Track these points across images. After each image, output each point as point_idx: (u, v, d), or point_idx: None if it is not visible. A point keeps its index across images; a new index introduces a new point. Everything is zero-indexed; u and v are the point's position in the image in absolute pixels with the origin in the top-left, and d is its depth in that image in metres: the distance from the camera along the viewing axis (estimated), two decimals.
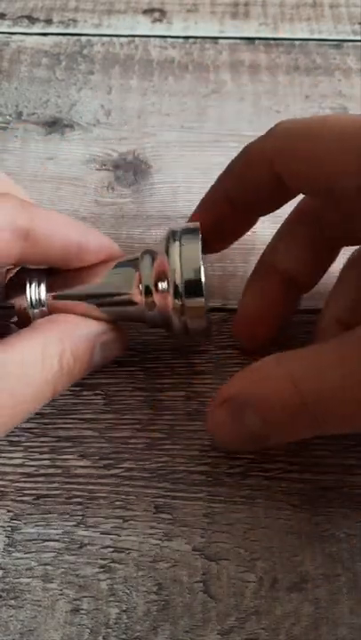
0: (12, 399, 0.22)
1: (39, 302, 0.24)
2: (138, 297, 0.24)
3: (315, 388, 0.20)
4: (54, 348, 0.22)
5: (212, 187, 0.26)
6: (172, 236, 0.24)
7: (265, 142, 0.23)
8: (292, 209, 0.26)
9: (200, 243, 0.23)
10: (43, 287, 0.24)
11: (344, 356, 0.20)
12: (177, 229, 0.24)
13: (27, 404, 0.22)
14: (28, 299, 0.24)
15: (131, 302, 0.24)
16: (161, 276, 0.23)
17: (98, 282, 0.24)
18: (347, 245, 0.26)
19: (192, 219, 0.26)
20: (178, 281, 0.23)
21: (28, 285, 0.24)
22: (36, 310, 0.24)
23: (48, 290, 0.24)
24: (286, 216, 0.26)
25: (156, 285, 0.23)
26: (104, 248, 0.25)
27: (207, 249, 0.25)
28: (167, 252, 0.23)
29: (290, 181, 0.23)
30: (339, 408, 0.20)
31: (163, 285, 0.23)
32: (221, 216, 0.25)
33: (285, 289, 0.26)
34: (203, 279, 0.23)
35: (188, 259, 0.23)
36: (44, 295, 0.24)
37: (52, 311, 0.24)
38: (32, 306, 0.24)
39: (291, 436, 0.22)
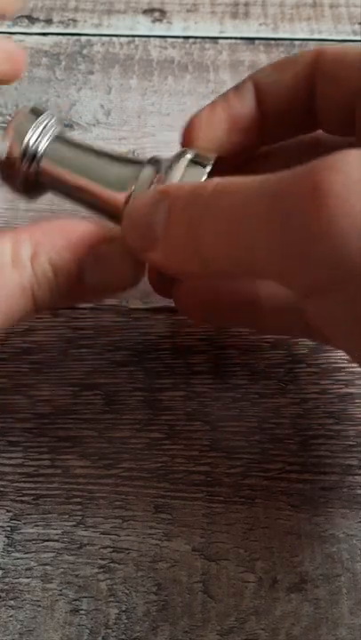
0: None
1: (33, 156, 0.21)
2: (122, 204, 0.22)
3: (224, 198, 0.18)
4: (25, 248, 0.20)
5: (244, 79, 0.24)
6: (182, 154, 0.22)
7: (307, 53, 0.23)
8: None
9: (206, 172, 0.21)
10: (48, 136, 0.21)
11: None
12: (190, 150, 0.22)
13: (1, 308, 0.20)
14: (25, 141, 0.21)
15: (116, 206, 0.22)
16: None
17: (98, 166, 0.22)
18: None
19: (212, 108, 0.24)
20: None
21: (32, 126, 0.21)
22: (24, 163, 0.21)
23: (51, 143, 0.21)
24: None
25: None
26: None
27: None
28: (171, 168, 0.21)
29: (323, 96, 0.22)
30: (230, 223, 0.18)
31: None
32: (246, 110, 0.23)
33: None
34: None
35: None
36: (43, 145, 0.21)
37: (42, 174, 0.21)
38: (24, 154, 0.21)
39: (174, 254, 0.20)
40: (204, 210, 0.18)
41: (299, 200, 0.16)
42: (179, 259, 0.20)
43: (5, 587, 0.22)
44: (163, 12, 0.41)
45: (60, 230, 0.21)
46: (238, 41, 0.39)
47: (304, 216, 0.16)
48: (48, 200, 0.26)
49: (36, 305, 0.20)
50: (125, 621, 0.22)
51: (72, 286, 0.21)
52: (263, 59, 0.38)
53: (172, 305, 0.28)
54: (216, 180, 0.19)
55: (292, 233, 0.16)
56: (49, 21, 0.40)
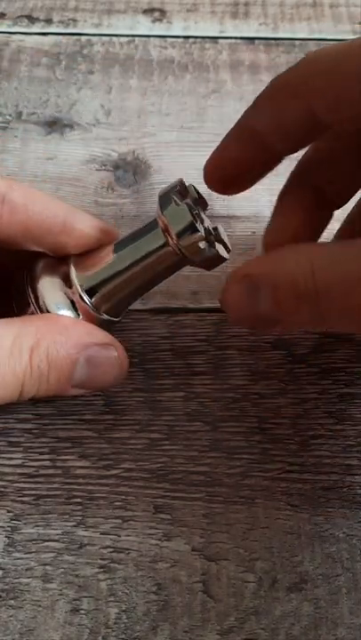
0: None
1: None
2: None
3: (331, 279, 0.20)
4: (27, 340, 0.21)
5: (238, 123, 0.24)
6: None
7: (295, 73, 0.22)
8: None
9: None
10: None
11: None
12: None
13: None
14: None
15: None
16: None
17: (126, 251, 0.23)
18: None
19: (217, 156, 0.25)
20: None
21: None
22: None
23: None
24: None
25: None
26: (95, 228, 0.24)
27: (229, 190, 0.25)
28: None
29: (325, 114, 0.22)
30: (348, 302, 0.19)
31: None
32: (249, 155, 0.24)
33: (318, 204, 0.26)
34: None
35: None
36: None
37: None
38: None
39: (296, 324, 0.23)
40: (315, 300, 0.20)
41: None
42: (304, 326, 0.25)
43: (6, 587, 0.22)
44: (163, 12, 0.41)
45: (63, 327, 0.22)
46: (238, 41, 0.39)
47: None
48: None
49: (22, 395, 0.22)
50: (125, 621, 0.22)
51: (60, 381, 0.22)
52: (263, 58, 0.38)
53: (172, 306, 0.28)
54: (306, 257, 0.20)
55: None
56: (49, 21, 0.40)
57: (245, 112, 0.24)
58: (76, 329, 0.23)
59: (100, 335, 0.23)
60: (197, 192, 0.24)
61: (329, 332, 0.27)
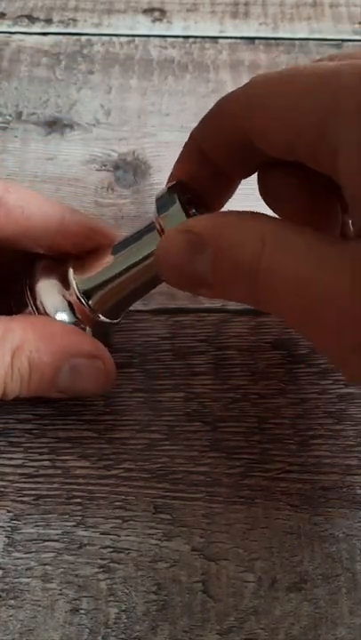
0: None
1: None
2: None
3: (278, 267, 0.18)
4: (11, 342, 0.21)
5: (187, 143, 0.24)
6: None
7: (239, 100, 0.21)
8: None
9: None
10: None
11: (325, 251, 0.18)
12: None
13: None
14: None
15: None
16: None
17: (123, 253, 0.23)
18: None
19: (171, 179, 0.24)
20: None
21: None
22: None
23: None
24: None
25: None
26: (92, 229, 0.24)
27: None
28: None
29: (256, 140, 0.21)
30: (290, 299, 0.18)
31: None
32: (199, 175, 0.23)
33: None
34: None
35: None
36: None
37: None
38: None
39: (226, 295, 0.21)
40: (253, 281, 0.19)
41: None
42: (232, 298, 0.21)
43: (6, 586, 0.22)
44: (163, 12, 0.41)
45: (50, 334, 0.22)
46: (238, 40, 0.39)
47: None
48: None
49: (5, 394, 0.22)
50: (125, 621, 0.22)
51: (43, 385, 0.22)
52: (263, 58, 0.38)
53: (172, 306, 0.28)
54: (259, 231, 0.19)
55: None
56: (49, 21, 0.40)
57: (193, 132, 0.23)
58: (64, 337, 0.23)
59: (88, 345, 0.23)
60: (196, 193, 0.24)
61: None
